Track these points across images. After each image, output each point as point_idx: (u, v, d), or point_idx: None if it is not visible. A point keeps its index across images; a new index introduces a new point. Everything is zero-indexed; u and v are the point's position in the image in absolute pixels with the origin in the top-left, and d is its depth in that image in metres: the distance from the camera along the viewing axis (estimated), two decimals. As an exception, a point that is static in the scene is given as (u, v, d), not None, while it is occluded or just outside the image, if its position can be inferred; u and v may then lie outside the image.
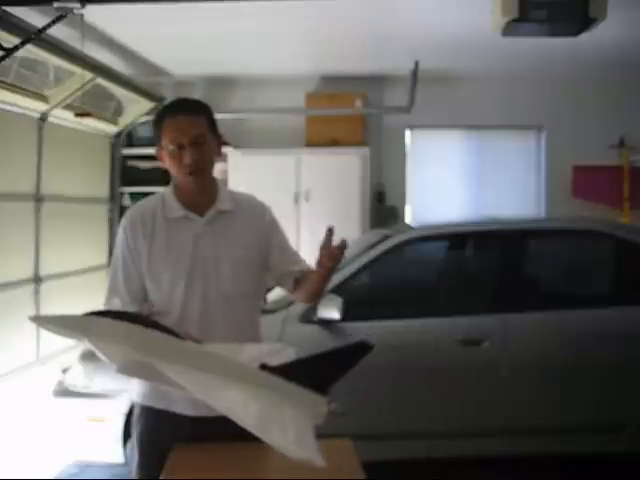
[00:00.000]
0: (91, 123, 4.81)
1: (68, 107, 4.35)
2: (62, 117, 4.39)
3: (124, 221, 1.95)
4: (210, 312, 1.88)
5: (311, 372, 1.60)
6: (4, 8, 2.99)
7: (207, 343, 1.73)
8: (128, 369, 1.55)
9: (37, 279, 4.14)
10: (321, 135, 5.47)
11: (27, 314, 4.18)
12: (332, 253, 1.81)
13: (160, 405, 1.90)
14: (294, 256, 2.04)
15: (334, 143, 5.43)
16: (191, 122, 1.85)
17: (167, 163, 1.90)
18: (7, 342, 3.75)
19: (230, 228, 1.92)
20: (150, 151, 5.66)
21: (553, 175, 5.78)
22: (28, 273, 4.09)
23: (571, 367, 3.44)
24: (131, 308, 1.86)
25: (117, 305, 1.87)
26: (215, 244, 1.89)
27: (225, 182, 4.67)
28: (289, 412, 1.53)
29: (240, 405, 1.51)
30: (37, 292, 4.13)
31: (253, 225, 1.96)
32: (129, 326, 1.57)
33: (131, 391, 2.01)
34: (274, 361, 1.66)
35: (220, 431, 1.85)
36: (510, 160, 5.94)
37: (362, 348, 1.68)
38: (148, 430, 1.94)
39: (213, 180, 1.97)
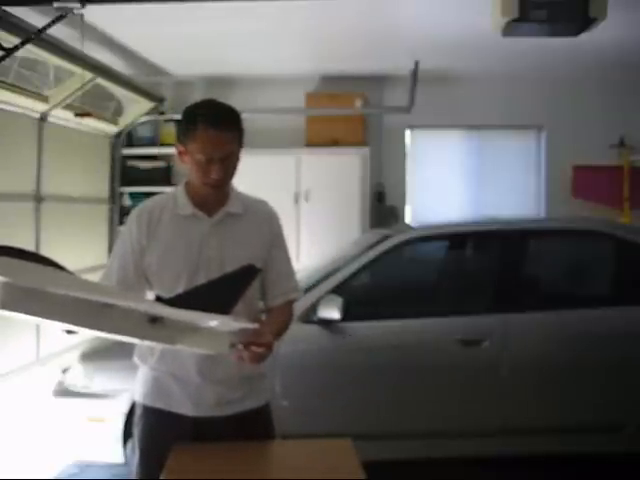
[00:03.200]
0: (91, 123, 4.81)
1: (68, 107, 4.35)
2: (62, 117, 4.39)
3: (132, 214, 1.95)
4: None
5: (206, 299, 1.58)
6: (4, 8, 2.99)
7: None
8: (11, 304, 1.39)
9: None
10: (321, 135, 5.47)
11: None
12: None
13: (161, 405, 1.91)
14: (284, 280, 2.00)
15: (334, 143, 5.43)
16: (226, 139, 1.83)
17: (188, 165, 1.87)
18: (7, 342, 3.75)
19: (237, 231, 1.92)
20: (150, 151, 5.72)
21: (553, 175, 5.78)
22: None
23: (571, 367, 3.45)
24: None
25: None
26: (221, 245, 1.89)
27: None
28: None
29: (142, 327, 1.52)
30: (37, 292, 4.12)
31: (259, 232, 1.95)
32: (10, 260, 1.40)
33: (132, 391, 2.01)
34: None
35: (221, 432, 1.85)
36: (510, 160, 5.94)
37: (250, 271, 1.70)
38: (149, 430, 1.94)
39: None
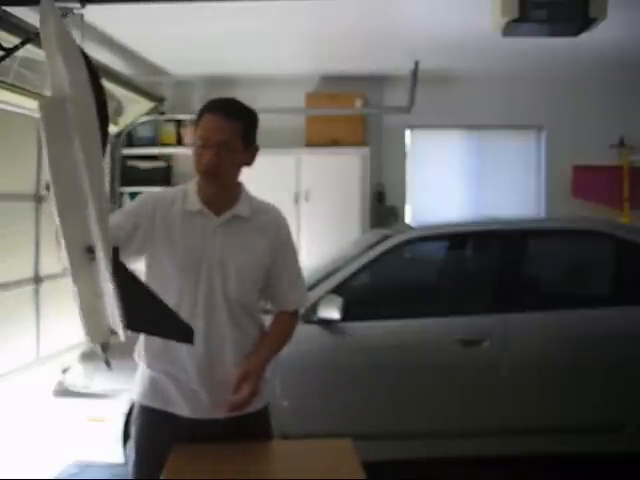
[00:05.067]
0: (91, 123, 4.81)
1: (68, 107, 4.35)
2: (62, 117, 4.39)
3: (140, 196, 1.97)
4: (213, 312, 1.87)
5: (142, 304, 1.52)
6: (4, 8, 2.99)
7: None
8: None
9: (37, 279, 4.14)
10: (321, 135, 5.47)
11: (27, 314, 4.20)
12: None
13: (158, 405, 1.90)
14: (291, 290, 2.01)
15: (334, 143, 5.43)
16: (223, 126, 1.83)
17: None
18: (7, 342, 3.75)
19: (242, 234, 1.91)
20: (150, 151, 5.72)
21: (553, 175, 5.78)
22: (28, 273, 4.09)
23: (571, 367, 3.45)
24: None
25: None
26: (224, 246, 1.88)
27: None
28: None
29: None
30: (37, 292, 4.13)
31: (264, 237, 1.94)
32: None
33: (131, 390, 2.01)
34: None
35: (218, 434, 1.85)
36: (510, 160, 5.94)
37: (186, 334, 1.64)
38: (146, 430, 1.94)
39: (238, 185, 1.96)
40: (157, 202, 1.91)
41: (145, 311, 1.54)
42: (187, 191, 1.94)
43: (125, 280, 1.42)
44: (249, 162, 1.93)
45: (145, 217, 1.87)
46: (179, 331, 1.64)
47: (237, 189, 1.96)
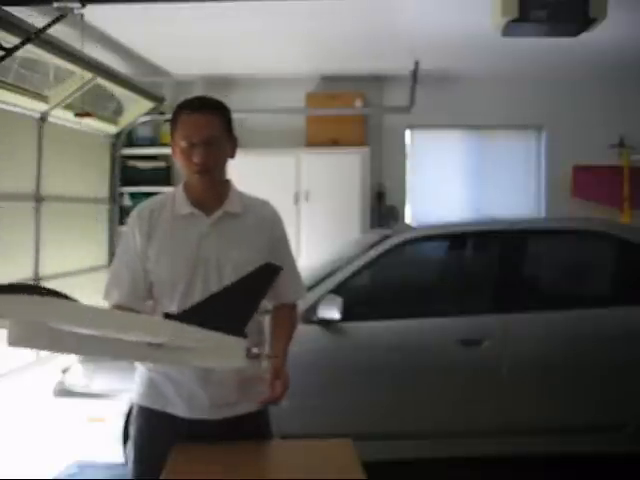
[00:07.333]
0: (91, 123, 4.81)
1: (68, 107, 4.35)
2: (62, 117, 4.39)
3: (132, 215, 1.96)
4: None
5: (221, 310, 1.53)
6: (4, 8, 2.99)
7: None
8: (21, 339, 1.41)
9: (37, 279, 4.14)
10: (321, 135, 5.47)
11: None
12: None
13: (157, 406, 1.90)
14: (288, 284, 2.00)
15: (334, 143, 5.43)
16: (205, 122, 1.85)
17: (178, 159, 1.90)
18: (7, 342, 3.75)
19: (235, 231, 1.91)
20: (150, 151, 5.73)
21: (553, 175, 5.78)
22: (28, 273, 4.09)
23: (571, 367, 3.45)
24: (130, 302, 1.85)
25: (115, 298, 1.86)
26: (219, 246, 1.88)
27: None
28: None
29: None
30: (37, 292, 4.12)
31: (259, 233, 1.94)
32: (19, 297, 1.41)
33: (130, 390, 2.01)
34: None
35: (216, 434, 1.85)
36: (510, 160, 5.95)
37: (269, 270, 1.64)
38: (145, 430, 1.93)
39: (226, 181, 1.96)
40: (147, 214, 1.91)
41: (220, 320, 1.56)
42: (175, 195, 1.94)
43: (192, 319, 1.49)
44: (232, 155, 1.95)
45: (142, 238, 1.88)
46: (258, 274, 1.65)
47: (226, 186, 1.95)
